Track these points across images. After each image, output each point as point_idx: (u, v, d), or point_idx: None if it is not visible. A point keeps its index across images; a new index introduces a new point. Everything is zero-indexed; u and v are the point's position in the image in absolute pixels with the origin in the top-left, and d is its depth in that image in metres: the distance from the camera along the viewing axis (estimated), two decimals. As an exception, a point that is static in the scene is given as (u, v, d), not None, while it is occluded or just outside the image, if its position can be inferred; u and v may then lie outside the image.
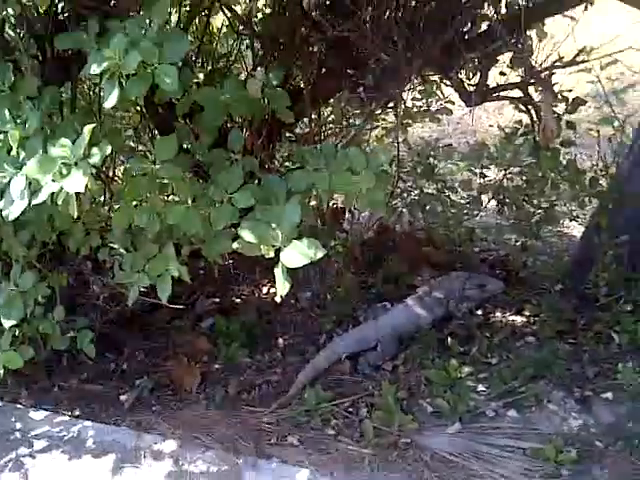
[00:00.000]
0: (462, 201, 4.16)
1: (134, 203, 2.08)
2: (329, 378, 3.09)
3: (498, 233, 3.99)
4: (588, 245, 3.49)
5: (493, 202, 3.99)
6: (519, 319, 3.38)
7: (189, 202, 2.06)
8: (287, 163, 3.70)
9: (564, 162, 3.16)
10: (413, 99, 4.07)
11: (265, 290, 4.06)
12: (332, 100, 4.13)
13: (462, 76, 3.06)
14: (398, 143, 4.12)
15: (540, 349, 3.04)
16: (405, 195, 4.40)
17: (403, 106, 4.09)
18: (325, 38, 2.77)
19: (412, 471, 2.48)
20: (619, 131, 3.85)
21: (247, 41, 3.29)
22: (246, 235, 1.88)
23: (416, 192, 4.36)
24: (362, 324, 3.37)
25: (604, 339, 3.04)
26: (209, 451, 2.66)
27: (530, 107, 3.04)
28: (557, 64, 2.70)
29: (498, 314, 3.44)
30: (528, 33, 2.90)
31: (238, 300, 3.90)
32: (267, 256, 1.87)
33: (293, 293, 3.89)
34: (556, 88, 2.83)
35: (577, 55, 2.75)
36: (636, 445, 2.44)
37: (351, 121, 4.35)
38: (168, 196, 2.14)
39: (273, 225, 1.93)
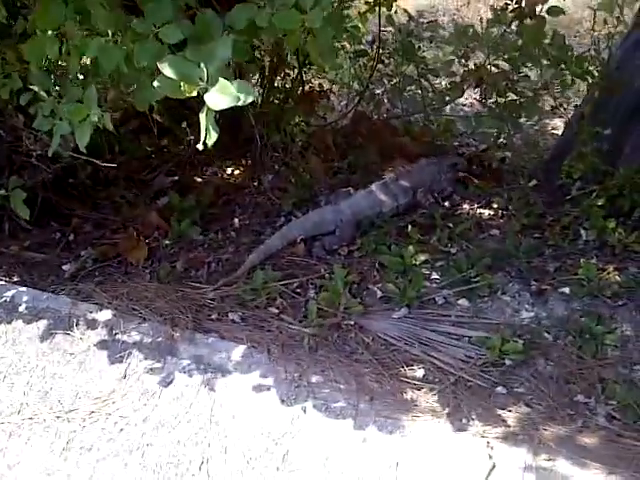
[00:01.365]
0: (444, 85, 3.89)
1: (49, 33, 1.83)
2: (282, 261, 2.95)
3: (478, 124, 3.74)
4: (568, 139, 3.28)
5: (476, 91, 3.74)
6: (486, 212, 3.21)
7: (109, 34, 1.81)
8: None
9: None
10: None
11: (229, 171, 3.87)
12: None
13: None
14: (380, 19, 3.81)
15: (503, 242, 2.90)
16: (385, 81, 4.12)
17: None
18: None
19: (351, 352, 2.39)
20: (618, 19, 3.55)
21: None
22: (166, 70, 1.65)
23: (397, 79, 4.09)
24: (322, 208, 3.21)
25: (571, 234, 2.89)
26: (145, 322, 2.56)
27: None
28: None
29: (466, 206, 3.27)
30: None
31: (199, 179, 3.71)
32: (188, 94, 1.65)
33: (258, 176, 3.71)
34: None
35: None
36: (586, 340, 2.33)
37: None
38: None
39: (201, 65, 1.70)
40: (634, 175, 2.73)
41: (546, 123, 3.95)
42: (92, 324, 2.56)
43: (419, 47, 3.95)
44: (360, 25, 4.14)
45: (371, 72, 4.00)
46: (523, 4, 2.41)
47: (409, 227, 2.99)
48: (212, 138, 1.72)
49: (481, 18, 3.42)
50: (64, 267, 3.00)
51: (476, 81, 3.60)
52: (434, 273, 2.74)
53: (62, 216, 3.32)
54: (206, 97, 1.65)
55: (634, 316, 2.45)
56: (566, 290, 2.58)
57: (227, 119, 3.28)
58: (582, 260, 2.63)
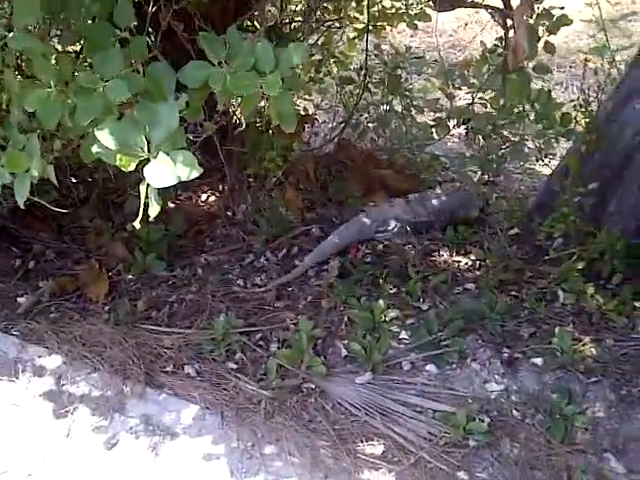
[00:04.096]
0: (429, 121, 3.77)
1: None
2: (249, 305, 2.83)
3: (462, 163, 3.63)
4: (551, 191, 3.16)
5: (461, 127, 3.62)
6: (463, 261, 3.10)
7: (52, 86, 1.67)
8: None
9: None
10: (391, -2, 3.59)
11: (204, 197, 3.74)
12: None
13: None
14: (367, 48, 3.68)
15: (477, 299, 2.78)
16: (371, 110, 4.00)
17: (379, 6, 3.63)
18: None
19: (309, 420, 2.27)
20: (610, 64, 3.43)
21: None
22: (104, 138, 1.52)
23: (384, 107, 3.97)
24: (359, 218, 3.21)
25: (549, 295, 2.77)
26: (95, 372, 2.43)
27: (509, 20, 2.59)
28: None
29: (443, 253, 3.15)
30: None
31: (171, 204, 3.57)
32: (124, 169, 1.52)
33: (233, 206, 3.57)
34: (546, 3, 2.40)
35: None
36: (555, 420, 2.22)
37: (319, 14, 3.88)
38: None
39: (147, 129, 1.57)
40: (615, 241, 2.61)
41: (531, 168, 3.83)
42: (39, 371, 2.44)
43: (406, 79, 3.84)
44: (347, 52, 4.04)
45: (357, 100, 3.87)
46: (508, 60, 2.28)
47: (382, 276, 2.88)
48: (154, 211, 1.59)
49: (480, 40, 3.29)
50: (19, 299, 2.86)
51: (462, 119, 3.49)
52: (403, 332, 2.61)
53: (24, 242, 3.18)
54: (145, 171, 1.52)
55: (607, 395, 2.33)
56: (538, 361, 2.46)
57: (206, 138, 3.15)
58: (557, 328, 2.51)
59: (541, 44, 2.34)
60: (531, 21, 2.14)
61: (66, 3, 1.71)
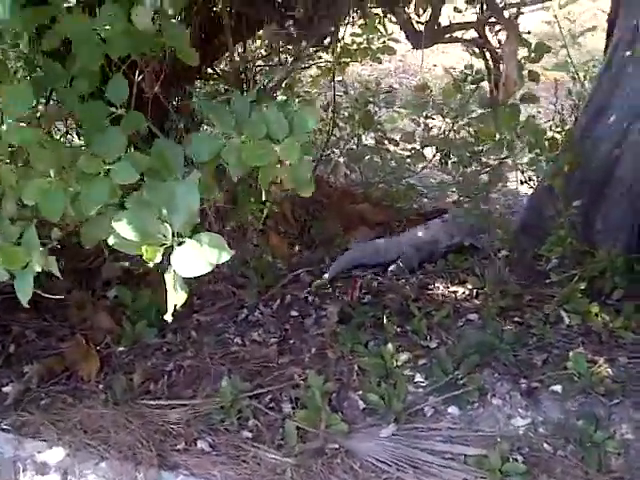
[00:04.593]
0: (404, 152, 3.77)
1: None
2: (250, 364, 2.71)
3: (442, 190, 3.62)
4: (536, 210, 3.17)
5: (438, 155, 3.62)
6: (460, 291, 3.07)
7: (52, 175, 1.56)
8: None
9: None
10: (352, 34, 3.58)
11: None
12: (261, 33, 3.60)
13: (410, 11, 2.57)
14: (334, 85, 3.67)
15: (483, 330, 2.75)
16: (341, 145, 3.97)
17: (341, 43, 3.61)
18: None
19: (339, 484, 2.17)
20: (577, 80, 3.50)
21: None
22: (123, 229, 1.42)
23: (354, 141, 3.96)
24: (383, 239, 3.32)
25: (552, 318, 2.76)
26: (103, 462, 2.26)
27: (486, 51, 2.60)
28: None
29: (439, 285, 3.12)
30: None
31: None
32: (150, 261, 1.43)
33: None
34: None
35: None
36: (587, 448, 2.19)
37: (283, 57, 3.84)
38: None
39: (163, 211, 1.48)
40: (614, 258, 2.63)
41: (505, 186, 3.85)
42: (42, 469, 2.26)
43: (375, 112, 3.83)
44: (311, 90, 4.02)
45: (327, 136, 3.84)
46: (498, 93, 2.28)
47: (384, 317, 2.81)
48: (181, 299, 1.50)
49: (445, 68, 3.30)
50: (5, 389, 2.67)
51: (438, 149, 3.50)
52: (418, 375, 2.55)
53: (0, 324, 2.99)
54: (173, 260, 1.42)
55: (632, 415, 2.32)
56: (558, 388, 2.43)
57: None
58: (571, 353, 2.49)
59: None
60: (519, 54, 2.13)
61: (55, 83, 1.61)
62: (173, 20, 1.78)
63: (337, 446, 2.28)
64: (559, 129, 3.03)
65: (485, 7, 2.35)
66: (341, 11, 2.49)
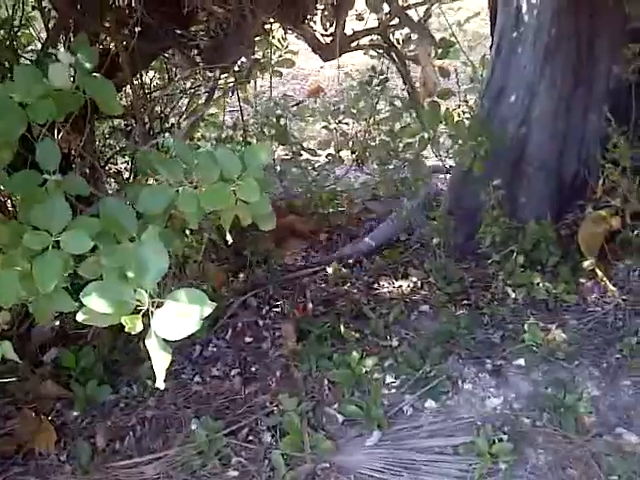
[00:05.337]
0: (320, 159, 3.79)
1: None
2: (217, 402, 2.63)
3: (365, 189, 3.68)
4: (456, 194, 3.29)
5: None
6: (405, 285, 3.13)
7: (-4, 255, 1.44)
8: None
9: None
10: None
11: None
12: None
13: (315, 26, 2.59)
14: (240, 105, 3.63)
15: (438, 319, 2.81)
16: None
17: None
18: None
19: (339, 503, 2.14)
20: (471, 66, 3.66)
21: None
22: (95, 304, 1.33)
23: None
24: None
25: (498, 295, 2.87)
26: (89, 539, 2.12)
27: (393, 54, 2.66)
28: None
29: (383, 282, 3.16)
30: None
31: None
32: (132, 331, 1.34)
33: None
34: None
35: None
36: (561, 414, 2.28)
37: (180, 84, 3.76)
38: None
39: (129, 274, 1.39)
40: (546, 228, 2.77)
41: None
42: None
43: (286, 124, 3.83)
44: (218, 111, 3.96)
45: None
46: (420, 93, 2.34)
47: (340, 326, 2.82)
48: (166, 362, 1.42)
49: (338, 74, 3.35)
50: (-46, 488, 2.45)
51: (353, 151, 3.55)
52: (388, 376, 2.57)
53: None
54: (154, 325, 1.35)
55: (592, 373, 2.45)
56: (521, 362, 2.53)
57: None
58: (525, 325, 2.60)
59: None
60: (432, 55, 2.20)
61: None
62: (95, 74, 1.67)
63: (327, 465, 2.25)
64: (467, 115, 3.14)
65: (389, 12, 2.40)
66: (248, 36, 2.46)
